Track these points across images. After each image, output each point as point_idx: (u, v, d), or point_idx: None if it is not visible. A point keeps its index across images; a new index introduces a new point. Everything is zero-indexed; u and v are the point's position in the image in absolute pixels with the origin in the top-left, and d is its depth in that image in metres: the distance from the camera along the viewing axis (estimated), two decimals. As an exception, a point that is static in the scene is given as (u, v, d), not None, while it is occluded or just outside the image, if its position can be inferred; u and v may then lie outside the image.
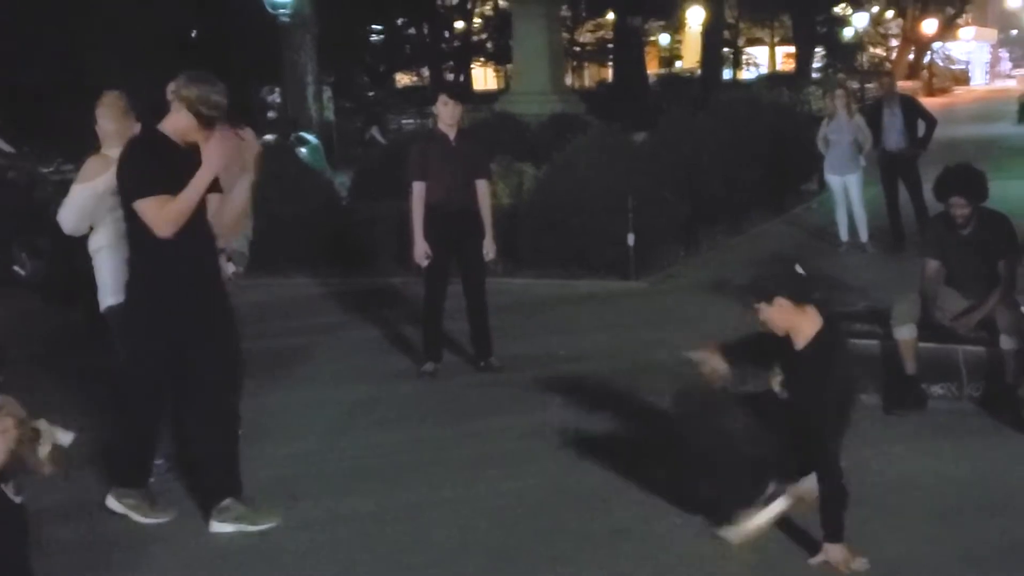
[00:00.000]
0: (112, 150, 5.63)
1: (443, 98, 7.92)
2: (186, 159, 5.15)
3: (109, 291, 5.72)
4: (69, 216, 5.77)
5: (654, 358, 8.06)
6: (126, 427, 5.57)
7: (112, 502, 5.46)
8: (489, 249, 7.90)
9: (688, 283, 10.91)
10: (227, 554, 5.10)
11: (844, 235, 12.32)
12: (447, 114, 7.81)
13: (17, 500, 3.95)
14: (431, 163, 7.75)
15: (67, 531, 5.37)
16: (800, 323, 4.80)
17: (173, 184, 5.04)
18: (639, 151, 12.57)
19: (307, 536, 5.26)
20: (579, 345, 8.69)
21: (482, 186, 7.88)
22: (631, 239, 10.69)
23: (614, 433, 6.54)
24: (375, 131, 26.77)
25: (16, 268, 12.07)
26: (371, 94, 26.97)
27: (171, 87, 5.19)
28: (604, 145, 11.68)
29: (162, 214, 5.03)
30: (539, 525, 5.28)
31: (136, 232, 5.15)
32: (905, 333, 6.60)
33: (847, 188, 12.14)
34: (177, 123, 5.17)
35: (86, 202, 5.68)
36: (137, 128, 5.75)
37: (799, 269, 4.91)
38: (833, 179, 12.31)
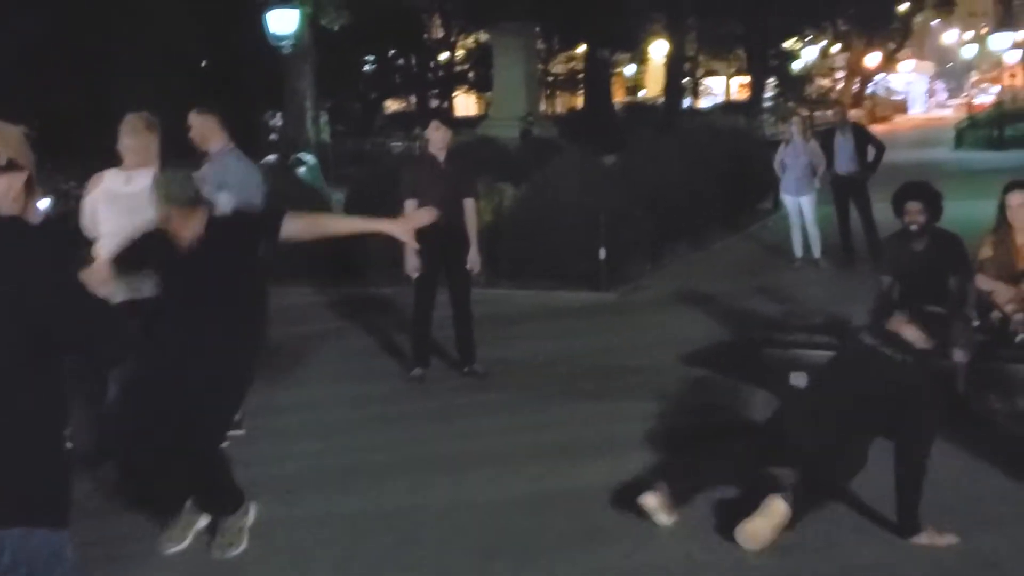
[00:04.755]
0: (127, 161, 5.69)
1: (435, 123, 7.80)
2: None
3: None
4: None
5: (623, 363, 7.98)
6: None
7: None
8: (474, 263, 7.75)
9: (654, 294, 10.78)
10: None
11: (798, 251, 12.22)
12: (438, 138, 7.68)
13: None
14: (422, 183, 7.62)
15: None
16: None
17: None
18: (609, 172, 12.46)
19: (303, 534, 5.08)
20: (555, 351, 8.56)
21: (469, 204, 7.74)
22: (603, 253, 10.56)
23: (589, 433, 6.40)
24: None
25: None
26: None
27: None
28: (577, 167, 11.56)
29: None
30: (522, 524, 5.13)
31: None
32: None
33: (802, 208, 12.05)
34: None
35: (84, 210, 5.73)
36: (155, 145, 5.67)
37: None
38: (789, 199, 12.23)
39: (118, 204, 5.56)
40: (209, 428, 4.83)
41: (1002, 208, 6.55)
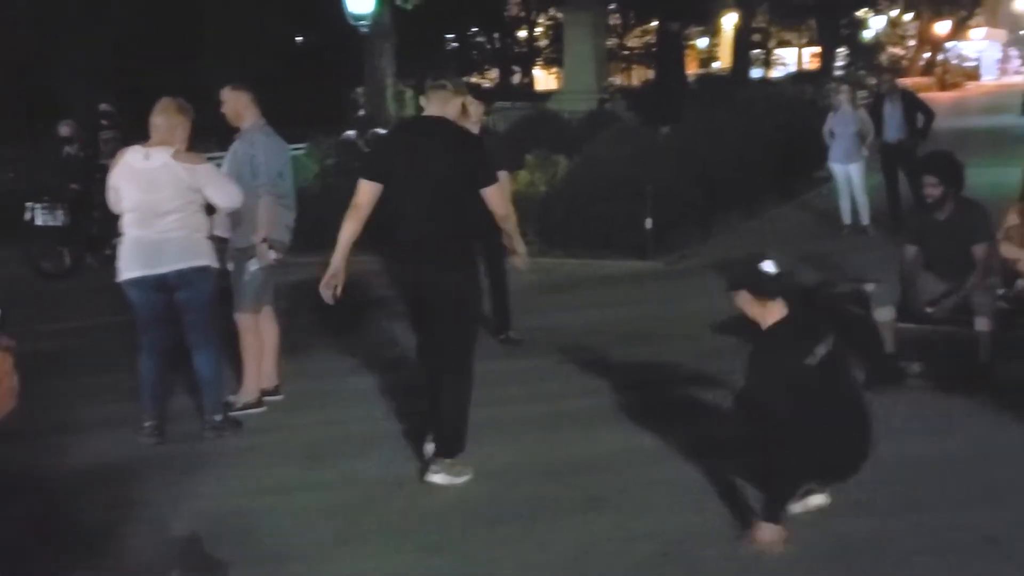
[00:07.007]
0: (152, 139, 5.61)
1: (468, 98, 7.54)
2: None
3: None
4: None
5: (656, 331, 7.72)
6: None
7: (443, 477, 5.01)
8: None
9: (700, 263, 10.42)
10: (242, 512, 4.83)
11: (847, 219, 11.77)
12: (470, 112, 7.45)
13: None
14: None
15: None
16: (762, 313, 4.38)
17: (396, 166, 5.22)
18: (659, 143, 12.12)
19: (318, 497, 5.00)
20: (593, 319, 8.33)
21: (502, 177, 7.49)
22: (649, 223, 10.26)
23: (610, 402, 6.17)
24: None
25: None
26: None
27: (447, 83, 5.19)
28: (626, 138, 11.25)
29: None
30: (528, 492, 4.95)
31: None
32: (884, 315, 6.14)
33: (850, 176, 11.60)
34: (457, 110, 5.31)
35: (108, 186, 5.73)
36: (183, 129, 5.59)
37: (768, 266, 4.40)
38: (837, 167, 11.76)
39: (137, 180, 5.51)
40: None
41: (1027, 177, 6.14)
